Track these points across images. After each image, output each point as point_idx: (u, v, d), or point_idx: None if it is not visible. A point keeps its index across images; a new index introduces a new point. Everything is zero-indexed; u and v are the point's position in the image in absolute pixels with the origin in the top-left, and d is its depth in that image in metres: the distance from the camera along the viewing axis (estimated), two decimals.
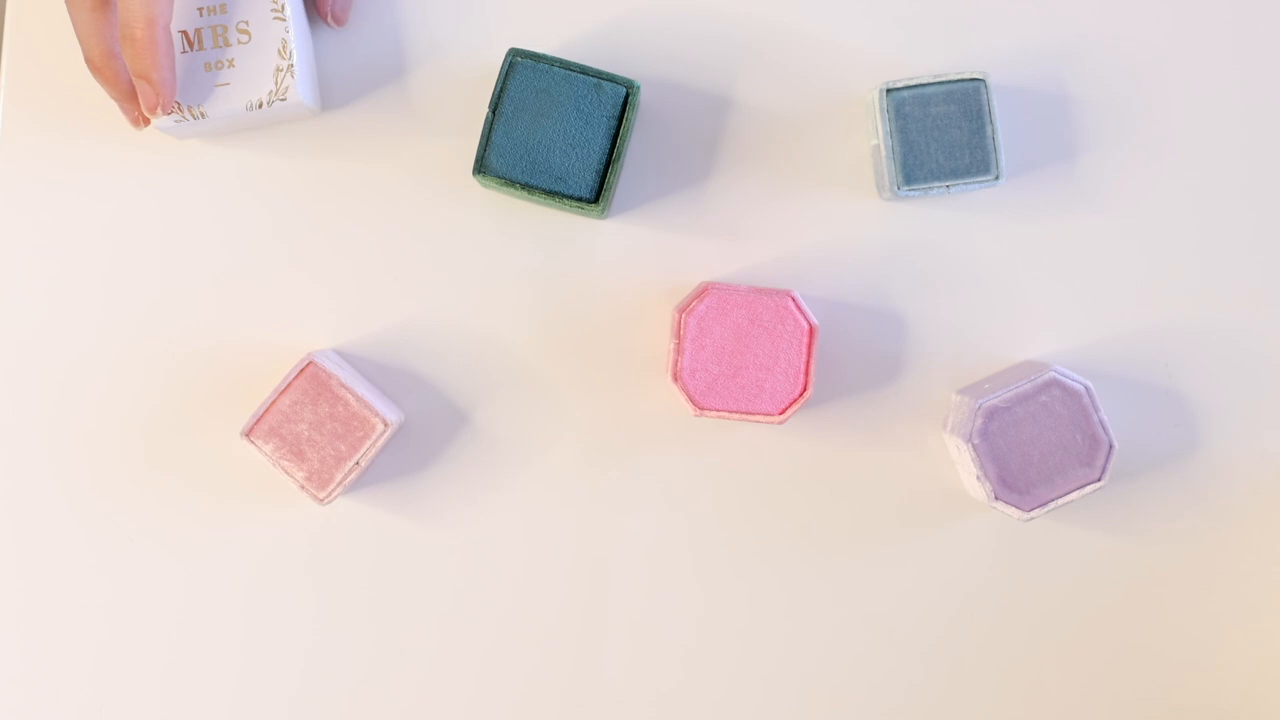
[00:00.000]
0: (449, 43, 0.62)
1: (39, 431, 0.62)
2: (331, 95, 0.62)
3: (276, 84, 0.58)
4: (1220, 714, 0.61)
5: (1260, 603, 0.61)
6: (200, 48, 0.58)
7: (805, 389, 0.58)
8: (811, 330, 0.58)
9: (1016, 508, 0.57)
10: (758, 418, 0.58)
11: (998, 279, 0.62)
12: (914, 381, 0.62)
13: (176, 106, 0.58)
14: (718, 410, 0.58)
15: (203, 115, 0.58)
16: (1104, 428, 0.57)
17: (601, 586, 0.62)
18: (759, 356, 0.58)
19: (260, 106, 0.58)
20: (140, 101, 0.57)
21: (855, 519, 0.62)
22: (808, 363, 0.58)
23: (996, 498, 0.57)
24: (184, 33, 0.58)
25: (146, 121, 0.59)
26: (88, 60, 0.56)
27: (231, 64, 0.58)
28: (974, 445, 0.57)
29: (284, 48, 0.58)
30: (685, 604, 0.62)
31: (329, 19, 0.61)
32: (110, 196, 0.62)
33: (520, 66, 0.58)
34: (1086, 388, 0.57)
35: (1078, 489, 0.57)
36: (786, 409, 0.58)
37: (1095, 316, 0.62)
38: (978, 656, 0.61)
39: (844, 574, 0.62)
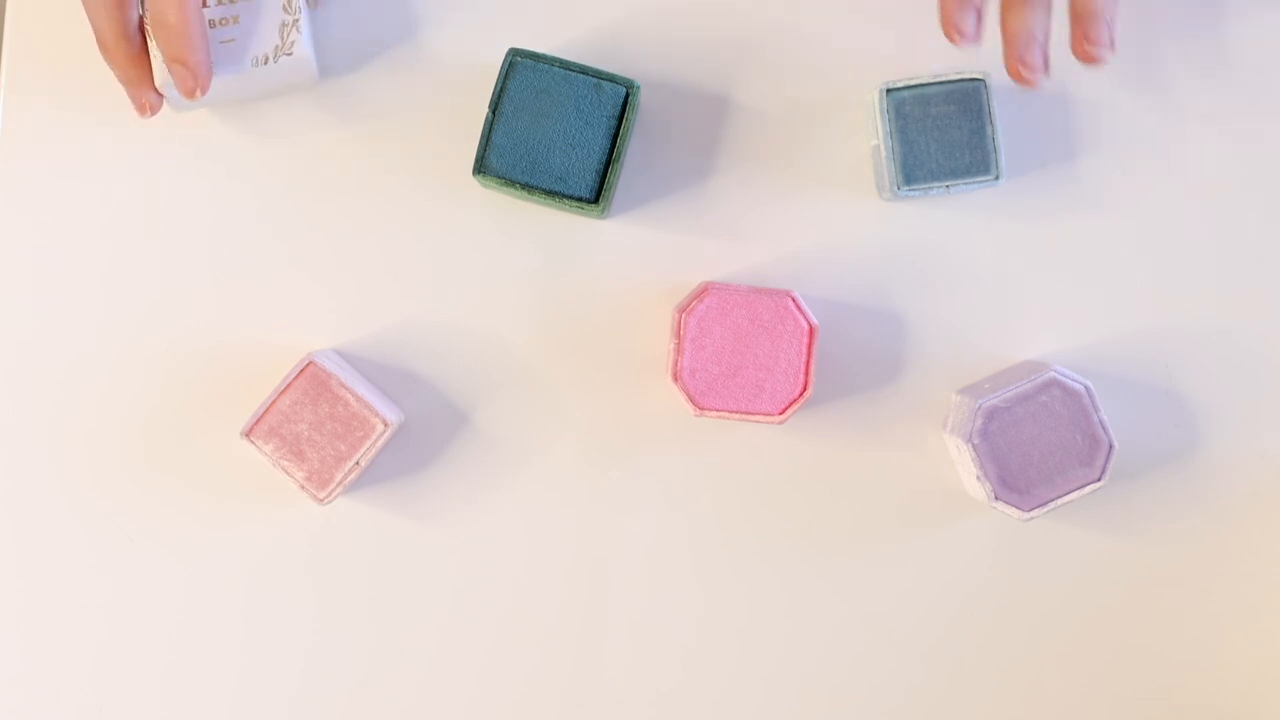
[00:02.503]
0: (449, 43, 0.62)
1: (39, 431, 0.62)
2: (331, 95, 0.62)
3: (282, 39, 0.57)
4: (1220, 714, 0.61)
5: (1260, 603, 0.61)
6: (204, 4, 0.57)
7: (805, 389, 0.58)
8: (811, 330, 0.58)
9: (1016, 508, 0.57)
10: (758, 418, 0.58)
11: (998, 279, 0.62)
12: (914, 381, 0.62)
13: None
14: (718, 410, 0.58)
15: None
16: (1104, 428, 0.57)
17: (601, 586, 0.62)
18: (759, 356, 0.58)
19: (266, 62, 0.57)
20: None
21: (855, 519, 0.62)
22: (808, 363, 0.58)
23: (996, 498, 0.57)
24: None
25: (153, 109, 0.58)
26: (100, 43, 0.56)
27: (236, 20, 0.58)
28: (974, 445, 0.57)
29: (289, 3, 0.58)
30: (685, 604, 0.62)
31: None
32: (110, 197, 0.62)
33: (520, 66, 0.58)
34: (1086, 388, 0.57)
35: (1078, 489, 0.57)
36: (786, 409, 0.58)
37: (1095, 316, 0.62)
38: (978, 656, 0.61)
39: (844, 574, 0.62)
